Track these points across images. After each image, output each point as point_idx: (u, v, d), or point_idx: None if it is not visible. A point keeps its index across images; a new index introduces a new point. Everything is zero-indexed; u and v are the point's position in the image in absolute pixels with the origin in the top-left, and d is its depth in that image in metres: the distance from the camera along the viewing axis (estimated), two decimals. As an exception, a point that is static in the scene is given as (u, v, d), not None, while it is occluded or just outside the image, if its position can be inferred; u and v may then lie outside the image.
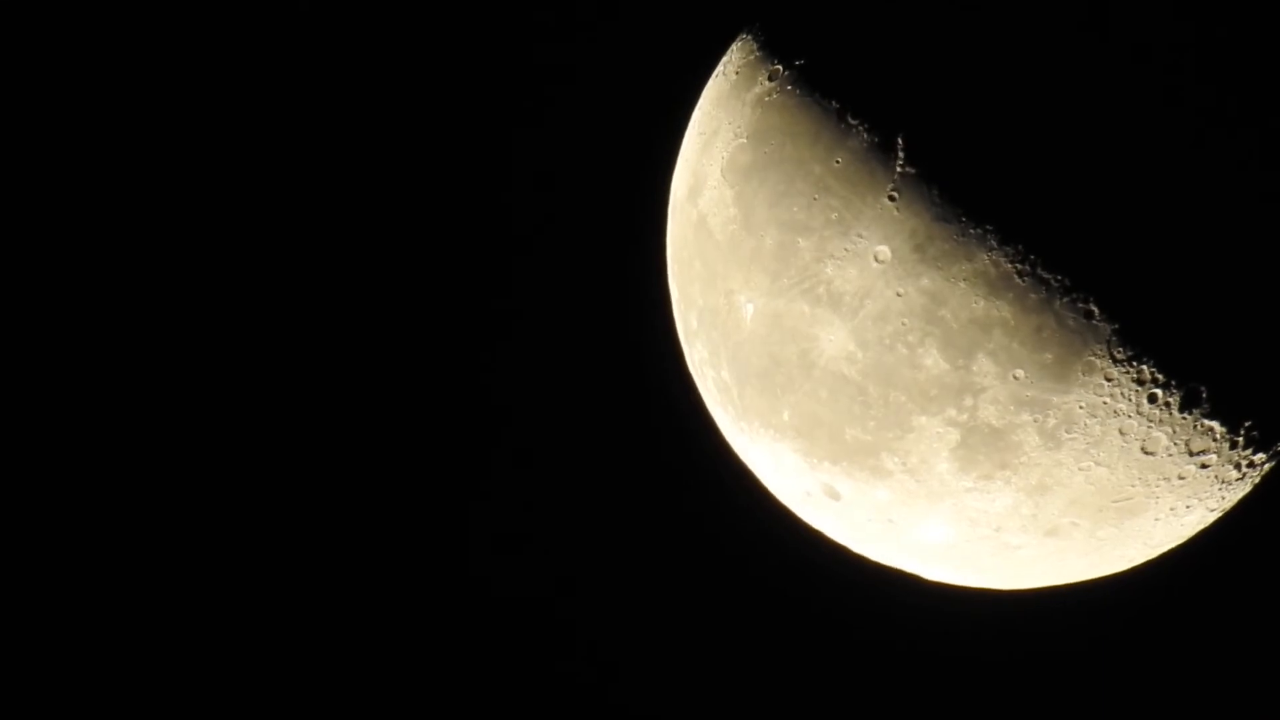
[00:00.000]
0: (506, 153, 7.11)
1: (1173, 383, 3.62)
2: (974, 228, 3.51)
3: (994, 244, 3.50)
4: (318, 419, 7.33)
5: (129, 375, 7.19)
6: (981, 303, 3.53)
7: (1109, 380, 3.58)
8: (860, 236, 3.63)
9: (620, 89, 6.87)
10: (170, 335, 7.18)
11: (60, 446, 7.19)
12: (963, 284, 3.53)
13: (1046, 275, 3.49)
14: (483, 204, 7.16)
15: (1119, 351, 3.54)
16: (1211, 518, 4.19)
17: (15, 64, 6.89)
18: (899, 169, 3.59)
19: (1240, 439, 3.81)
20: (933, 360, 3.61)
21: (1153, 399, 3.62)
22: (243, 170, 7.12)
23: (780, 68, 3.98)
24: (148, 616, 7.32)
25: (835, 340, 3.71)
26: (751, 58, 4.15)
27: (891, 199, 3.59)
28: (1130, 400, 3.61)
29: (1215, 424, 3.73)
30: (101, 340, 7.15)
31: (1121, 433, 3.67)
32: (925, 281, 3.56)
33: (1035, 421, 3.63)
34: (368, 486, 7.39)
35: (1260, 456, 3.94)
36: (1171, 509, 3.94)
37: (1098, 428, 3.65)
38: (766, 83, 4.01)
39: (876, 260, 3.61)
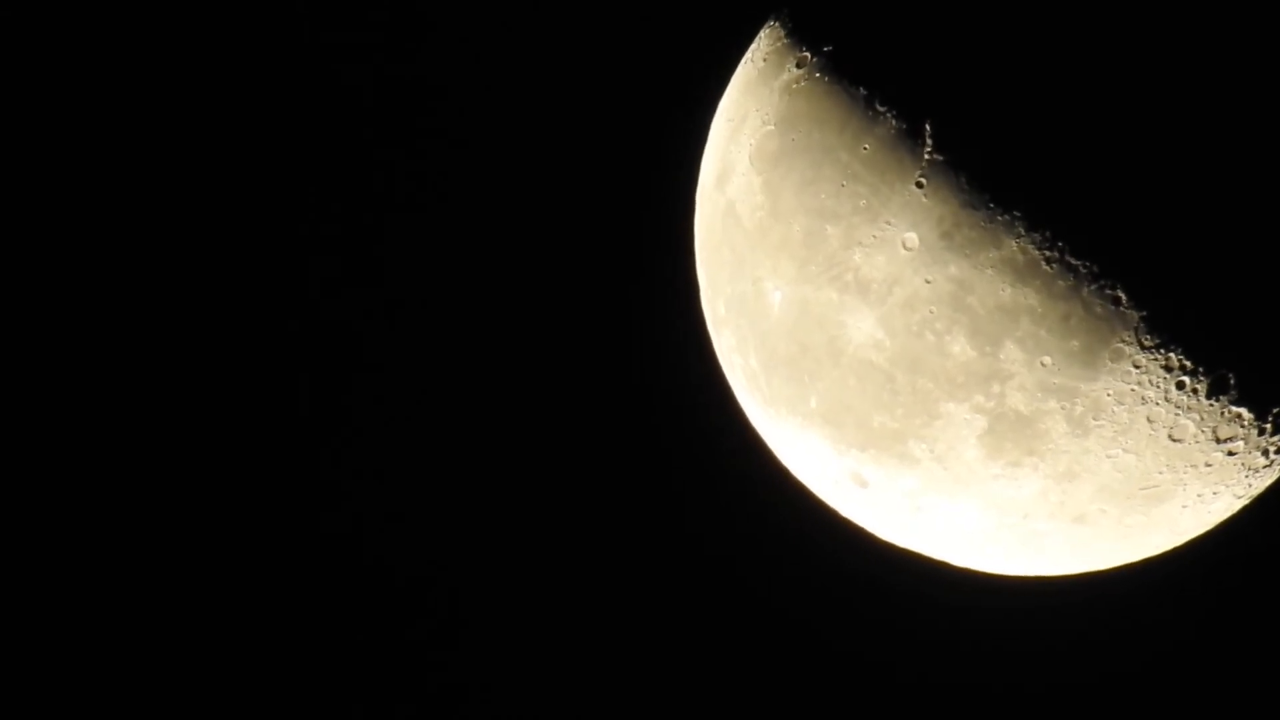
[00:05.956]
0: (532, 140, 7.13)
1: (1200, 370, 3.61)
2: (1002, 215, 3.51)
3: (1022, 231, 3.50)
4: (348, 407, 7.39)
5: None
6: (1009, 290, 3.53)
7: (1137, 367, 3.57)
8: (888, 224, 3.64)
9: (649, 76, 6.87)
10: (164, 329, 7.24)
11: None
12: (990, 271, 3.54)
13: (1074, 262, 3.49)
14: (508, 191, 7.18)
15: (1147, 339, 3.54)
16: (1239, 505, 4.19)
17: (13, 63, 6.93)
18: (927, 156, 3.59)
19: (1268, 426, 3.80)
20: (960, 347, 3.62)
21: (1180, 386, 3.62)
22: (263, 172, 7.16)
23: (808, 55, 3.99)
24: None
25: (863, 327, 3.72)
26: (779, 45, 4.16)
27: (919, 186, 3.60)
28: (1158, 387, 3.61)
29: (1243, 411, 3.73)
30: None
31: (1149, 420, 3.67)
32: (953, 269, 3.57)
33: (1063, 409, 3.64)
34: (384, 472, 7.44)
35: (1288, 443, 3.93)
36: (1199, 496, 3.93)
37: (1125, 415, 3.65)
38: (794, 70, 4.01)
39: (904, 247, 3.62)
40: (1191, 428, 3.71)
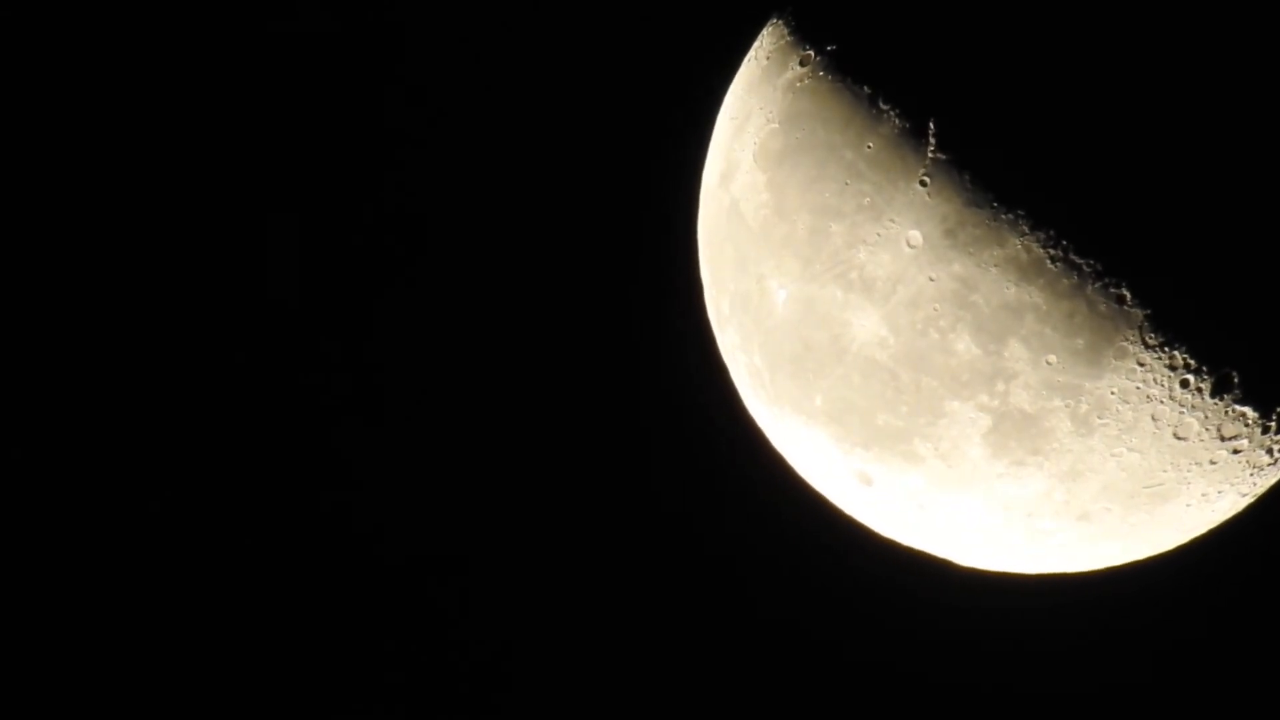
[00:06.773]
0: (534, 140, 7.13)
1: (1204, 368, 3.61)
2: (1006, 213, 3.51)
3: (1026, 229, 3.50)
4: (349, 407, 7.40)
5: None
6: (1013, 288, 3.53)
7: (1141, 365, 3.57)
8: (892, 222, 3.64)
9: (651, 74, 6.88)
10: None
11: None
12: (994, 269, 3.54)
13: (1079, 261, 3.48)
14: (511, 191, 7.18)
15: (1151, 337, 3.54)
16: (1243, 503, 4.18)
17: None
18: (930, 154, 3.59)
19: (1272, 424, 3.80)
20: (965, 346, 3.61)
21: (1185, 384, 3.62)
22: (264, 173, 7.16)
23: (812, 53, 3.99)
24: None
25: (867, 326, 3.72)
26: (783, 43, 4.16)
27: (923, 184, 3.60)
28: (1162, 386, 3.61)
29: (1247, 409, 3.72)
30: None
31: (1154, 418, 3.67)
32: (957, 267, 3.56)
33: (1067, 407, 3.64)
34: (383, 471, 7.44)
35: (1293, 442, 3.93)
36: (1203, 494, 3.93)
37: (1130, 413, 3.65)
38: (798, 68, 4.01)
39: (908, 246, 3.61)
40: (1196, 426, 3.71)
